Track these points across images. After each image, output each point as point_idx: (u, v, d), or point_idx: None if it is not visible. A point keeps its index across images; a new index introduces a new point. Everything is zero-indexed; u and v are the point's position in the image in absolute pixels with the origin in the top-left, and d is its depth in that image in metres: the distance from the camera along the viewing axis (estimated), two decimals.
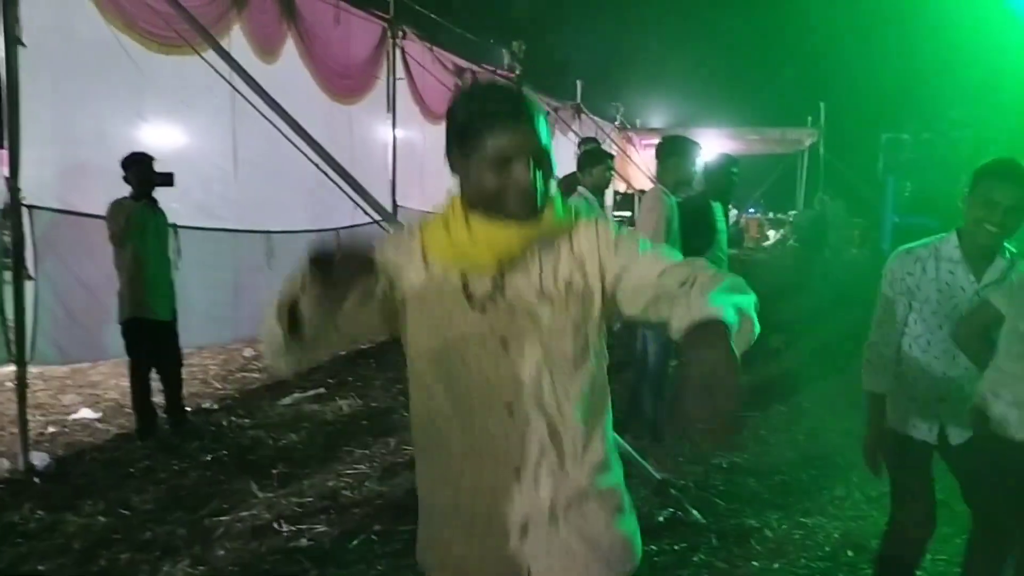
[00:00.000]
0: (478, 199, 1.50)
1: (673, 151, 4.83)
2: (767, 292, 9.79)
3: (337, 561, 3.56)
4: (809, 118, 18.65)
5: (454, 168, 1.55)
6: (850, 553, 3.67)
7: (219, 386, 6.49)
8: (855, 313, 5.14)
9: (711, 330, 1.18)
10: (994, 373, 2.48)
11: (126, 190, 4.89)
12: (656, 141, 7.74)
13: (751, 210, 26.18)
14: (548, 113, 1.49)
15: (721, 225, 5.28)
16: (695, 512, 4.01)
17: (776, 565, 3.59)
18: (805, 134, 18.61)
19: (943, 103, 12.59)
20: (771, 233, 24.39)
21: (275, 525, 3.93)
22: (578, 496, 1.55)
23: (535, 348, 1.50)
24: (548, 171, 1.50)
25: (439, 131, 7.11)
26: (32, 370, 6.23)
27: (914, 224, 10.48)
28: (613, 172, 5.39)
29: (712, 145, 15.12)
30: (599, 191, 5.34)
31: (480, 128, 1.46)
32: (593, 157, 5.42)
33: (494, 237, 1.48)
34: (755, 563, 3.61)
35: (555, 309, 1.50)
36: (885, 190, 11.38)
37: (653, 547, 3.68)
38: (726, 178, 5.23)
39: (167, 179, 5.02)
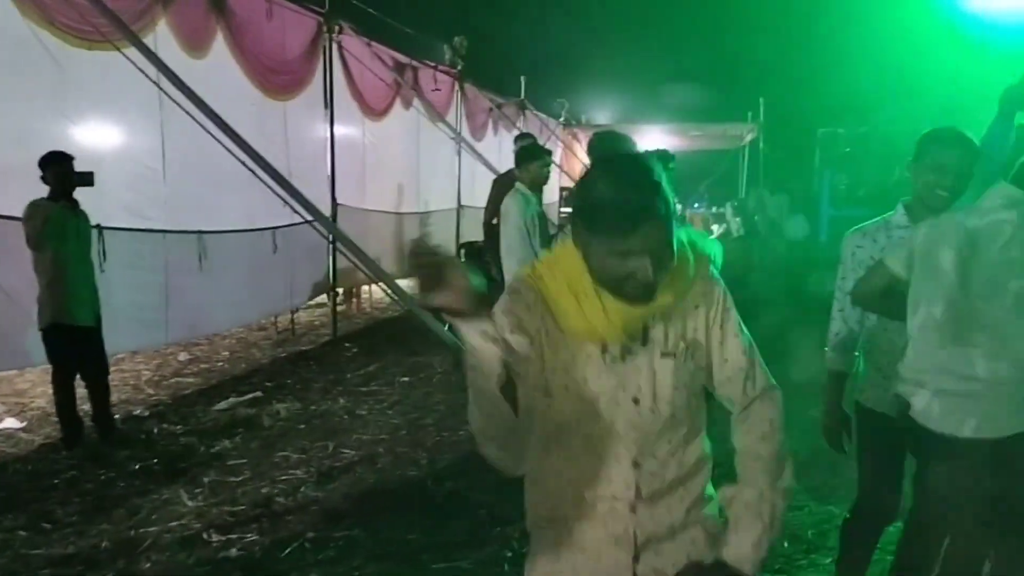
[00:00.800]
0: (598, 274, 1.48)
1: (607, 148, 4.79)
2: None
3: (267, 570, 3.46)
4: (749, 113, 18.91)
5: (577, 238, 1.51)
6: (786, 544, 3.68)
7: (151, 392, 6.30)
8: (794, 303, 5.21)
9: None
10: (915, 358, 2.44)
11: (45, 191, 4.70)
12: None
13: (695, 205, 26.47)
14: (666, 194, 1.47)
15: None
16: None
17: None
18: (745, 129, 18.84)
19: (877, 98, 12.85)
20: (715, 228, 24.69)
21: (204, 535, 3.80)
22: (680, 525, 1.62)
23: (662, 405, 1.57)
24: (670, 261, 1.47)
25: (380, 128, 7.08)
26: None
27: (849, 216, 10.65)
28: (550, 168, 5.34)
29: (655, 141, 15.22)
30: (537, 187, 5.28)
31: (599, 224, 1.42)
32: (529, 153, 5.36)
33: (627, 316, 1.50)
34: None
35: (677, 366, 1.58)
36: (821, 183, 11.57)
37: None
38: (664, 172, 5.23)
39: (87, 179, 4.84)
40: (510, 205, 5.19)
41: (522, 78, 14.97)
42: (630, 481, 1.58)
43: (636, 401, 1.56)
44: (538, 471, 1.66)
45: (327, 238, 6.76)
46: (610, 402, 1.55)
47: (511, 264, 5.13)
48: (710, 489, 1.70)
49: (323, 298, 8.90)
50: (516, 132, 10.38)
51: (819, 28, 15.79)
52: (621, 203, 1.40)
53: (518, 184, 5.25)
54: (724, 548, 1.58)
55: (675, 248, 1.46)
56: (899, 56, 11.90)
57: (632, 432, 1.57)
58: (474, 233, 10.15)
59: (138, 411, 5.76)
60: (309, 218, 5.35)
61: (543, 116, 15.78)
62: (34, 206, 4.63)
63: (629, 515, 1.59)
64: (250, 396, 6.05)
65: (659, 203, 1.42)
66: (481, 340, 1.28)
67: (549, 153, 5.54)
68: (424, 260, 1.25)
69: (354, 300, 10.01)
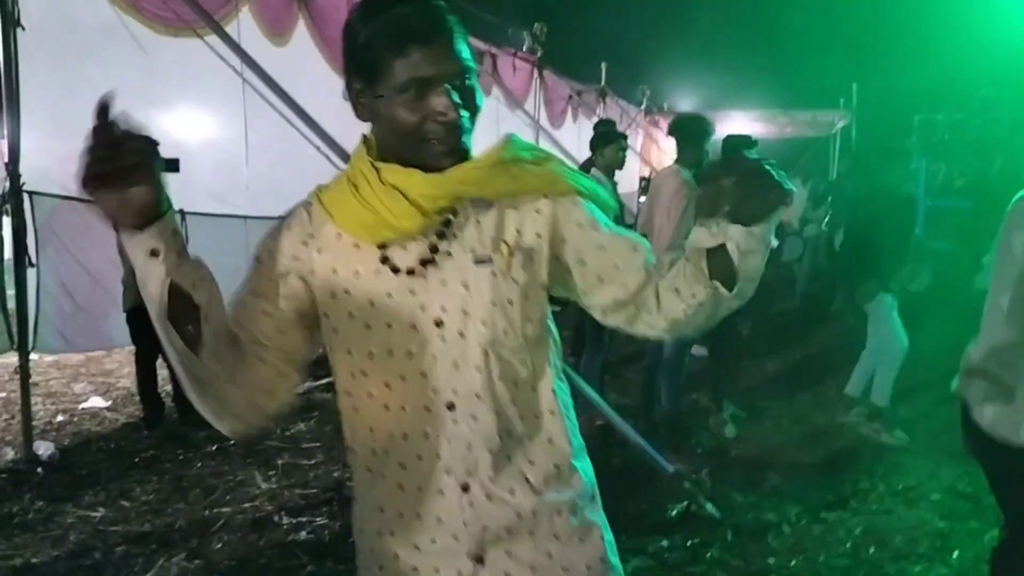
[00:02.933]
0: (390, 142, 1.23)
1: (693, 128, 4.65)
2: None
3: (335, 555, 3.45)
4: (841, 100, 18.22)
5: (357, 107, 1.26)
6: (872, 550, 3.49)
7: None
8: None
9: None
10: (982, 358, 2.17)
11: None
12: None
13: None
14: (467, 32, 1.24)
15: None
16: (710, 506, 3.85)
17: (793, 562, 3.42)
18: (836, 116, 18.18)
19: (976, 83, 12.18)
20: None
21: (276, 517, 3.84)
22: (543, 510, 1.30)
23: (476, 327, 1.24)
24: (473, 101, 1.22)
25: None
26: (46, 358, 6.25)
27: (947, 207, 10.14)
28: (626, 152, 5.20)
29: (740, 127, 14.83)
30: (611, 172, 5.14)
31: (385, 47, 1.17)
32: (604, 137, 5.22)
33: (415, 191, 1.20)
34: (771, 559, 3.44)
35: (498, 275, 1.25)
36: (918, 173, 11.04)
37: (664, 543, 3.53)
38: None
39: (172, 165, 4.89)
40: None
41: (603, 64, 14.73)
42: (451, 436, 1.25)
43: (439, 324, 1.23)
44: (348, 437, 1.35)
45: None
46: (407, 328, 1.23)
47: None
48: (578, 460, 1.35)
49: None
50: (595, 119, 10.24)
51: (916, 10, 15.07)
52: (400, 19, 1.16)
53: (593, 170, 5.13)
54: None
55: (477, 86, 1.21)
56: (1000, 39, 11.24)
57: (438, 366, 1.23)
58: None
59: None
60: None
61: (623, 103, 15.52)
62: None
63: (459, 497, 1.26)
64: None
65: (446, 15, 1.19)
66: (144, 257, 1.07)
67: (624, 137, 5.39)
68: (105, 150, 1.02)
69: None
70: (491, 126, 10.26)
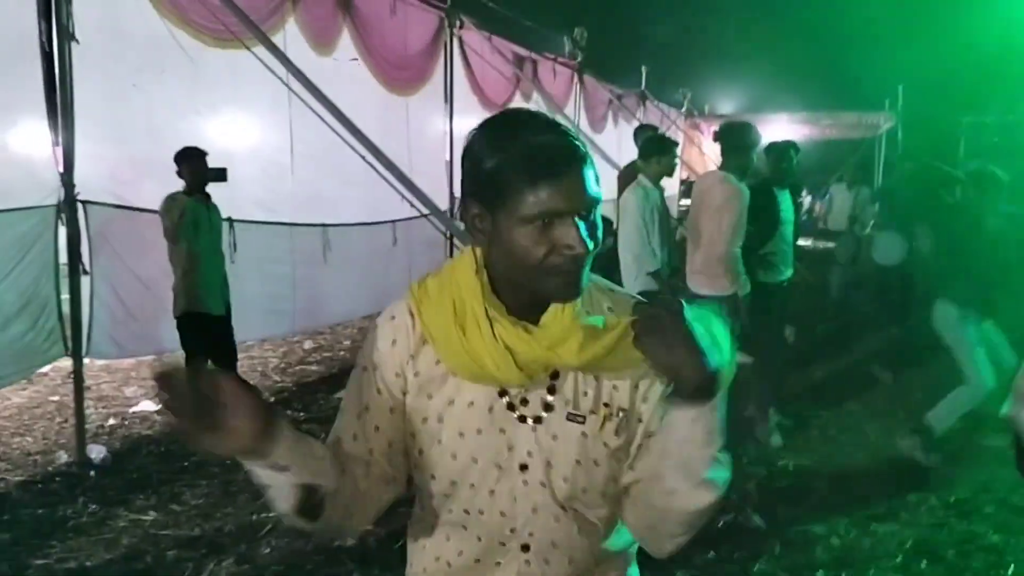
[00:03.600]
0: (507, 270, 1.19)
1: (741, 137, 4.61)
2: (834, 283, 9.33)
3: (381, 562, 3.48)
4: (887, 101, 17.94)
5: (472, 230, 1.21)
6: (924, 564, 3.43)
7: (277, 379, 6.51)
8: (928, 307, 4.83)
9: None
10: None
11: (179, 185, 4.90)
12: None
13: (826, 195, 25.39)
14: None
15: (787, 215, 5.05)
16: (757, 518, 3.81)
17: (843, 575, 3.37)
18: (882, 118, 17.89)
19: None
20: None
21: None
22: None
23: (558, 481, 1.25)
24: (596, 234, 1.17)
25: None
26: (98, 363, 6.39)
27: (1001, 212, 9.90)
28: (676, 161, 5.18)
29: (783, 131, 14.66)
30: (659, 180, 5.11)
31: (517, 178, 1.12)
32: (658, 146, 5.18)
33: (527, 350, 1.18)
34: (819, 573, 3.40)
35: (589, 436, 1.24)
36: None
37: (712, 555, 3.50)
38: (787, 164, 5.09)
39: (220, 174, 5.01)
40: (629, 199, 5.04)
41: (643, 68, 14.69)
42: (522, 574, 1.28)
43: (523, 468, 1.24)
44: (417, 540, 1.37)
45: (443, 233, 6.81)
46: (491, 466, 1.24)
47: (627, 260, 5.00)
48: None
49: None
50: (636, 124, 10.19)
51: (963, 9, 14.76)
52: (535, 149, 1.12)
53: (641, 177, 5.10)
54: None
55: (600, 223, 1.17)
56: None
57: (517, 507, 1.25)
58: None
59: (264, 397, 5.92)
60: (426, 212, 5.39)
61: (664, 107, 15.45)
62: (171, 200, 4.83)
63: None
64: None
65: (583, 146, 1.16)
66: (271, 474, 1.10)
67: (676, 144, 5.35)
68: (181, 387, 1.00)
69: None
70: None
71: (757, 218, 4.62)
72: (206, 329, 5.02)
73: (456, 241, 6.09)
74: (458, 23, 8.24)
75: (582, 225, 1.13)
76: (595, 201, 1.16)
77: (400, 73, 7.52)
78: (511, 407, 1.23)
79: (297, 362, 7.04)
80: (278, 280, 6.39)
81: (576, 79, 11.20)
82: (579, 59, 11.27)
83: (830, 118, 18.94)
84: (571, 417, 1.23)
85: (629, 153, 10.45)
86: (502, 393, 1.23)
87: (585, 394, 1.24)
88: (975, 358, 4.43)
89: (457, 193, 8.23)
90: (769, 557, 3.51)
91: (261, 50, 5.09)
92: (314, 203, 6.61)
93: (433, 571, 1.33)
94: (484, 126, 1.19)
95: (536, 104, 9.99)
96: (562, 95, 10.70)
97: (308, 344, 7.54)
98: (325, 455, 1.19)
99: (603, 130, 12.03)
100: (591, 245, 1.15)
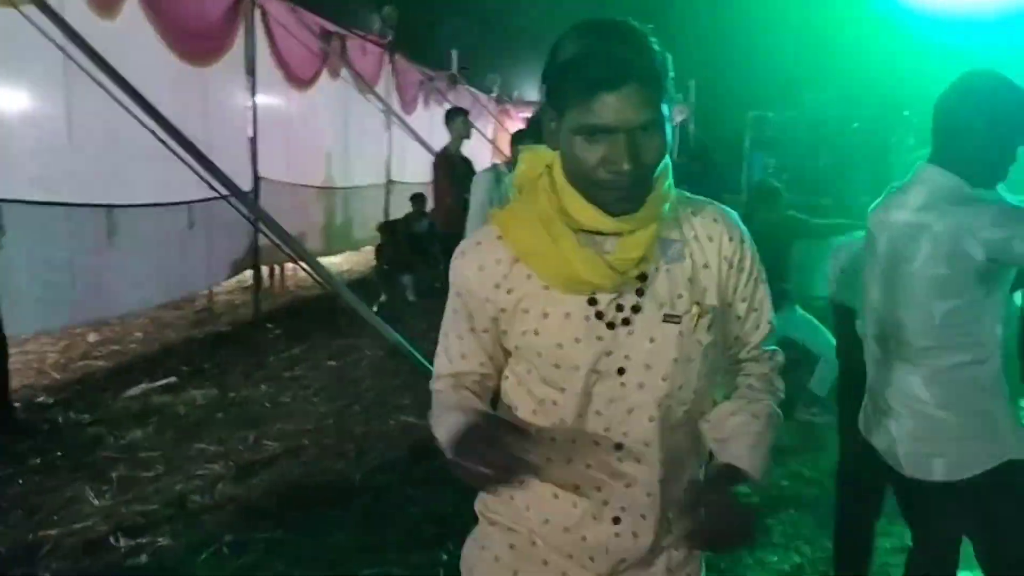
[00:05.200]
0: (571, 175, 1.25)
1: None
2: None
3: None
4: (680, 95, 18.96)
5: (545, 131, 1.27)
6: None
7: (57, 376, 5.89)
8: None
9: (728, 477, 1.36)
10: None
11: None
12: (532, 115, 7.59)
13: None
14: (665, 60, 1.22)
15: None
16: None
17: None
18: (677, 110, 18.90)
19: (807, 83, 12.97)
20: None
21: (112, 538, 3.52)
22: (682, 562, 1.43)
23: (656, 380, 1.31)
24: (654, 153, 1.21)
25: (305, 98, 6.72)
26: None
27: None
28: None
29: None
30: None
31: (574, 85, 1.17)
32: (521, 134, 5.28)
33: (616, 256, 1.26)
34: None
35: (684, 334, 1.31)
36: (753, 167, 11.63)
37: None
38: None
39: None
40: (476, 182, 5.26)
41: (453, 52, 14.63)
42: (613, 470, 1.33)
43: (621, 372, 1.30)
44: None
45: (244, 215, 6.42)
46: (590, 371, 1.29)
47: None
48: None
49: (244, 276, 8.53)
50: (447, 106, 10.13)
51: (750, 11, 15.89)
52: (594, 53, 1.16)
53: (500, 164, 5.46)
54: (720, 456, 1.40)
55: (667, 139, 1.20)
56: (831, 41, 12.01)
57: (613, 409, 1.31)
58: (403, 209, 9.87)
59: (41, 397, 5.36)
60: (226, 193, 5.04)
61: (475, 91, 15.50)
62: None
63: (609, 526, 1.35)
64: (164, 382, 5.70)
65: (646, 61, 1.17)
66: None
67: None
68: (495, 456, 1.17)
69: (276, 278, 9.63)
70: (339, 110, 9.95)
71: None
72: None
73: (262, 227, 5.72)
74: None
75: (634, 141, 1.16)
76: (650, 120, 1.17)
77: (195, 42, 6.97)
78: (600, 316, 1.28)
79: (80, 357, 6.40)
80: (53, 267, 5.74)
81: (387, 58, 10.94)
82: (388, 38, 11.01)
83: None
84: (668, 318, 1.29)
85: (439, 134, 10.38)
86: (592, 302, 1.28)
87: (680, 296, 1.30)
88: (814, 336, 4.91)
89: (261, 173, 7.83)
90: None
91: (31, 11, 4.53)
92: (97, 182, 6.00)
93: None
94: (575, 25, 1.22)
95: (344, 81, 9.67)
96: (372, 74, 10.41)
97: (93, 337, 6.88)
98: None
99: (414, 112, 11.86)
100: (634, 164, 1.17)
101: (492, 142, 15.31)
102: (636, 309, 1.29)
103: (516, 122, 17.22)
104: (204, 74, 7.12)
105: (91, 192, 5.92)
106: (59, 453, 4.44)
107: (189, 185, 5.93)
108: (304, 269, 5.24)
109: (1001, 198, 1.98)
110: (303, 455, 4.50)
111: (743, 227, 1.38)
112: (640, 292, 1.29)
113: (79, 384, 5.71)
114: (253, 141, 7.74)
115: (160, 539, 3.52)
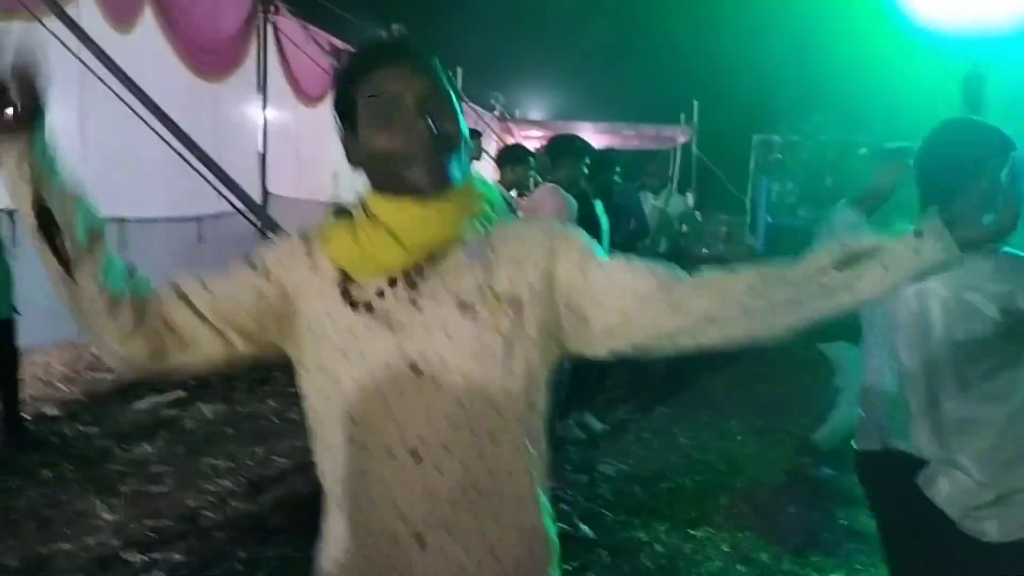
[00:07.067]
0: (376, 178, 1.22)
1: (570, 149, 4.70)
2: None
3: None
4: (682, 115, 19.04)
5: (350, 154, 1.26)
6: (740, 567, 3.60)
7: (64, 389, 5.87)
8: None
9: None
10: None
11: None
12: (535, 133, 7.62)
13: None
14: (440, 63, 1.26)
15: (604, 224, 5.20)
16: (584, 527, 3.86)
17: None
18: (679, 131, 18.98)
19: (810, 106, 13.07)
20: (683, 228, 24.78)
21: (123, 554, 3.50)
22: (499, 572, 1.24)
23: (453, 377, 1.18)
24: (453, 125, 1.20)
25: (315, 114, 6.73)
26: None
27: (787, 225, 10.77)
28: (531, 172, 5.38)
29: (589, 139, 15.14)
30: (509, 191, 5.27)
31: (354, 78, 1.21)
32: (514, 157, 5.44)
33: (400, 223, 1.19)
34: None
35: (479, 325, 1.18)
36: (758, 190, 11.69)
37: None
38: (610, 178, 5.39)
39: None
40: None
41: (459, 69, 14.71)
42: (411, 485, 1.18)
43: (415, 369, 1.18)
44: (319, 457, 1.30)
45: (257, 227, 6.43)
46: (381, 366, 1.18)
47: None
48: (548, 523, 1.30)
49: None
50: None
51: (756, 32, 16.01)
52: (368, 54, 1.24)
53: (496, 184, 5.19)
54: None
55: (457, 111, 1.21)
56: (834, 64, 12.11)
57: (408, 411, 1.18)
58: None
59: (49, 410, 5.35)
60: (239, 206, 5.05)
61: (479, 109, 15.57)
62: None
63: (412, 546, 1.20)
64: (173, 395, 5.69)
65: (414, 46, 1.24)
66: (16, 162, 1.09)
67: (534, 156, 5.77)
68: None
69: None
70: None
71: (586, 227, 4.70)
72: None
73: (271, 237, 5.76)
74: (273, 8, 7.84)
75: (422, 106, 1.17)
76: (437, 88, 1.20)
77: (209, 57, 7.04)
78: (348, 295, 1.21)
79: (87, 368, 6.39)
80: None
81: None
82: None
83: (631, 129, 19.86)
84: (462, 307, 1.19)
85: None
86: (392, 283, 1.20)
87: (479, 287, 1.20)
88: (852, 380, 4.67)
89: (270, 188, 7.88)
90: (598, 566, 3.56)
91: (50, 22, 4.57)
92: (109, 194, 6.01)
93: (331, 485, 1.28)
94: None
95: None
96: None
97: None
98: (78, 197, 1.20)
99: None
100: (426, 124, 1.16)
101: (495, 160, 15.35)
102: (432, 298, 1.19)
103: (518, 140, 17.29)
104: (216, 89, 7.18)
105: (103, 205, 5.92)
106: (68, 466, 4.43)
107: (199, 199, 5.98)
108: None
109: (998, 248, 1.92)
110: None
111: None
112: (420, 272, 1.20)
113: (86, 397, 5.70)
114: (262, 156, 7.78)
115: (173, 555, 3.50)
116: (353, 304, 1.20)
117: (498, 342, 1.19)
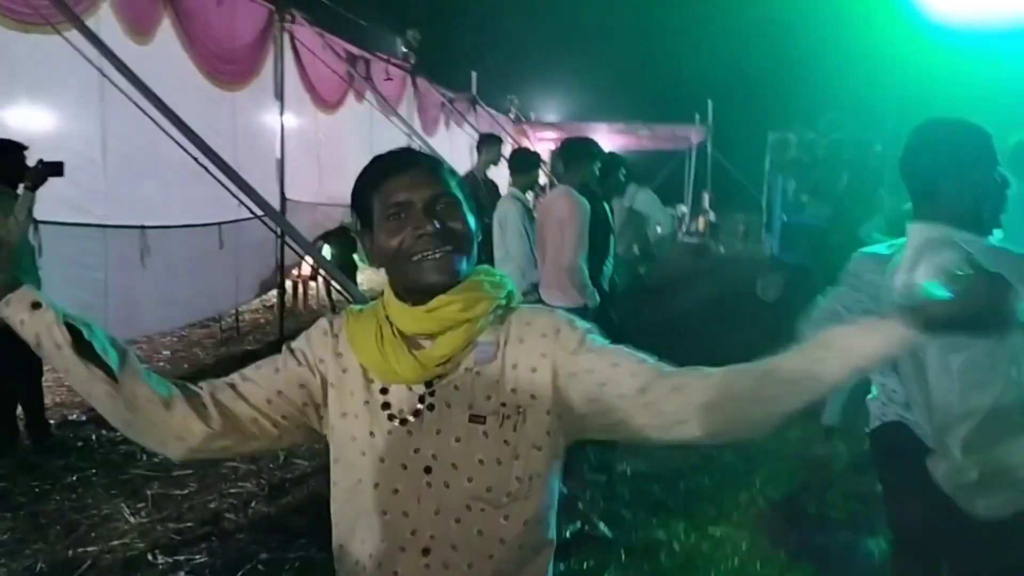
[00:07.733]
0: (392, 278, 1.34)
1: (582, 151, 4.72)
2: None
3: None
4: (697, 115, 19.02)
5: (369, 254, 1.38)
6: (759, 566, 3.61)
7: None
8: (750, 307, 5.13)
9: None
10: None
11: None
12: (550, 135, 7.70)
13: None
14: (454, 172, 1.39)
15: (612, 225, 5.23)
16: (603, 526, 3.88)
17: None
18: (694, 131, 18.97)
19: (825, 104, 12.99)
20: (658, 228, 24.81)
21: (149, 556, 3.57)
22: None
23: (462, 481, 1.28)
24: (460, 225, 1.31)
25: (333, 121, 6.80)
26: None
27: (803, 224, 10.70)
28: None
29: (603, 140, 15.18)
30: (524, 192, 5.54)
31: (368, 187, 1.34)
32: (525, 160, 5.69)
33: (415, 332, 1.31)
34: None
35: (487, 433, 1.28)
36: (774, 189, 11.65)
37: (561, 566, 3.51)
38: (617, 179, 5.47)
39: (56, 168, 4.53)
40: (509, 209, 5.35)
41: (473, 73, 14.78)
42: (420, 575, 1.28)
43: (428, 470, 1.28)
44: (337, 539, 1.39)
45: (276, 233, 6.50)
46: (397, 466, 1.29)
47: (509, 270, 5.02)
48: None
49: (268, 295, 8.61)
50: (467, 127, 10.22)
51: (771, 32, 15.96)
52: (380, 164, 1.35)
53: (512, 188, 5.52)
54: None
55: (467, 214, 1.32)
56: (849, 61, 12.04)
57: (419, 509, 1.28)
58: None
59: (74, 415, 5.44)
60: (259, 213, 5.11)
61: (493, 112, 15.62)
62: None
63: None
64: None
65: (424, 156, 1.37)
66: (28, 312, 1.25)
67: (538, 158, 6.07)
68: None
69: (299, 297, 9.71)
70: (364, 132, 10.06)
71: (599, 230, 4.72)
72: (13, 339, 4.50)
73: (288, 242, 5.83)
74: (289, 17, 7.92)
75: (431, 208, 1.28)
76: (445, 192, 1.31)
77: (226, 66, 7.11)
78: (387, 407, 1.31)
79: None
80: (88, 286, 5.84)
81: (409, 81, 11.07)
82: (412, 61, 11.16)
83: (647, 129, 19.87)
84: (473, 418, 1.28)
85: (460, 158, 10.42)
86: (384, 391, 1.32)
87: (488, 397, 1.29)
88: None
89: (288, 195, 7.94)
90: (617, 565, 3.58)
91: (71, 34, 4.66)
92: (130, 203, 6.12)
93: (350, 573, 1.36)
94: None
95: (369, 104, 9.79)
96: (395, 96, 10.54)
97: None
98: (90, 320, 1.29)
99: (435, 133, 11.97)
100: (434, 225, 1.27)
101: (508, 164, 15.40)
102: (446, 405, 1.29)
103: (534, 142, 17.32)
104: (233, 97, 7.26)
105: (125, 213, 6.04)
106: (93, 471, 4.50)
107: (219, 206, 6.05)
108: (334, 286, 5.31)
109: (987, 242, 1.94)
110: None
111: (565, 317, 1.35)
112: (430, 388, 1.30)
113: None
114: (281, 163, 7.85)
115: (197, 556, 3.57)
116: (375, 407, 1.32)
117: (505, 452, 1.29)
